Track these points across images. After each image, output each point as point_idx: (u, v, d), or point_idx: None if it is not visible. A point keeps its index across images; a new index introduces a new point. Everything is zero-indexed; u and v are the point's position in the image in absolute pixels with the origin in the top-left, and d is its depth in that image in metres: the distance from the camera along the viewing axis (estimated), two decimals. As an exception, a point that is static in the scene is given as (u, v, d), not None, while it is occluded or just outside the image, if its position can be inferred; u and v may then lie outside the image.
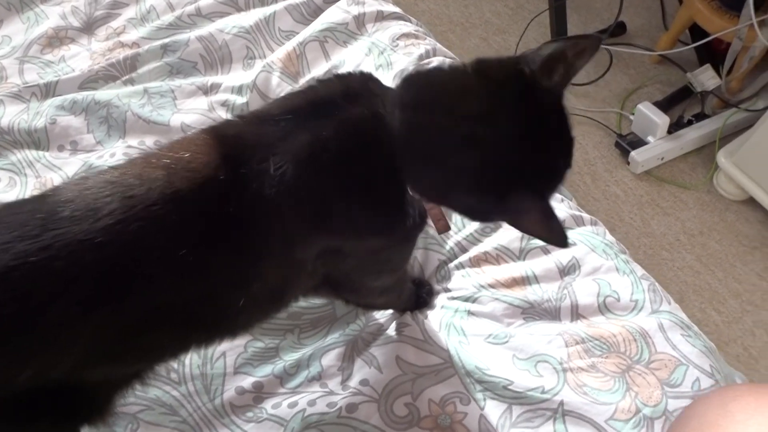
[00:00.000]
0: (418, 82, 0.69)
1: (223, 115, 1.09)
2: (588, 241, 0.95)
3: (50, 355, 0.59)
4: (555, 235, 0.64)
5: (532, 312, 0.90)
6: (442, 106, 0.65)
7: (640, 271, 0.94)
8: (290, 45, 1.15)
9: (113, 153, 1.05)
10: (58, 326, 0.58)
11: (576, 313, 0.90)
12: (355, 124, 0.68)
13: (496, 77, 0.64)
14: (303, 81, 1.14)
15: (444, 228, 0.76)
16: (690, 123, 1.79)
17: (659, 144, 1.76)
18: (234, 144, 0.65)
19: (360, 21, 1.20)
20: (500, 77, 0.64)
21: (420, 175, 0.67)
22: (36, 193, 0.99)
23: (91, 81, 1.14)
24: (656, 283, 0.93)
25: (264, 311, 0.75)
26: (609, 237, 0.98)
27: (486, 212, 0.69)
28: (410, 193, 0.69)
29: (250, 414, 0.85)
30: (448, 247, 0.98)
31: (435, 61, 1.16)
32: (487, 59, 0.67)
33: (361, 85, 0.72)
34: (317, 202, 0.67)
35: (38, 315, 0.56)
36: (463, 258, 0.96)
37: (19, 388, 0.59)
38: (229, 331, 0.73)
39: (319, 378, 0.87)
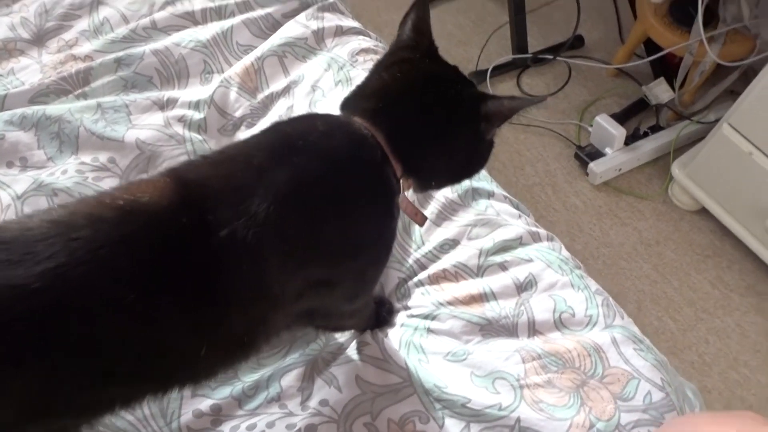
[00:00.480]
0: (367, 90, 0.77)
1: (180, 131, 1.07)
2: (544, 256, 0.96)
3: None
4: (525, 100, 0.76)
5: (490, 329, 0.91)
6: (400, 93, 0.75)
7: (594, 286, 0.95)
8: (248, 59, 1.14)
9: (65, 170, 1.02)
10: None
11: (533, 329, 0.91)
12: (335, 145, 0.70)
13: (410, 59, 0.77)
14: (261, 96, 1.13)
15: (423, 219, 0.86)
16: (646, 135, 1.84)
17: (617, 155, 1.80)
18: (198, 188, 0.63)
19: (319, 36, 1.19)
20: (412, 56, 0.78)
21: (423, 161, 0.76)
22: (-18, 211, 0.97)
23: (41, 95, 1.10)
24: (609, 298, 0.94)
25: (231, 358, 0.70)
26: (564, 252, 1.00)
27: (482, 153, 0.81)
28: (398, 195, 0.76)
29: (207, 437, 0.83)
30: (407, 265, 0.98)
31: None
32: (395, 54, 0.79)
33: (325, 116, 0.74)
34: (310, 232, 0.66)
35: None
36: (423, 275, 0.96)
37: None
38: (190, 380, 0.69)
39: (278, 399, 0.86)
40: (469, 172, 0.84)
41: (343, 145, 0.71)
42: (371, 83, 0.78)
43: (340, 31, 1.21)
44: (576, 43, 2.08)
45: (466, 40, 2.14)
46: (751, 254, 1.65)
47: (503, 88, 2.03)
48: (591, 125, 1.85)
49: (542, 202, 1.80)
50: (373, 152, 0.72)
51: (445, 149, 0.77)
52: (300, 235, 0.65)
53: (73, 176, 1.01)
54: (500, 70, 2.04)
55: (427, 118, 0.75)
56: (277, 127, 0.74)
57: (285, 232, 0.63)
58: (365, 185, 0.72)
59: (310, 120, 0.76)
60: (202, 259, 0.59)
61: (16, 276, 0.52)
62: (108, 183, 1.02)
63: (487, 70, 2.01)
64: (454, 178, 0.85)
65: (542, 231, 1.01)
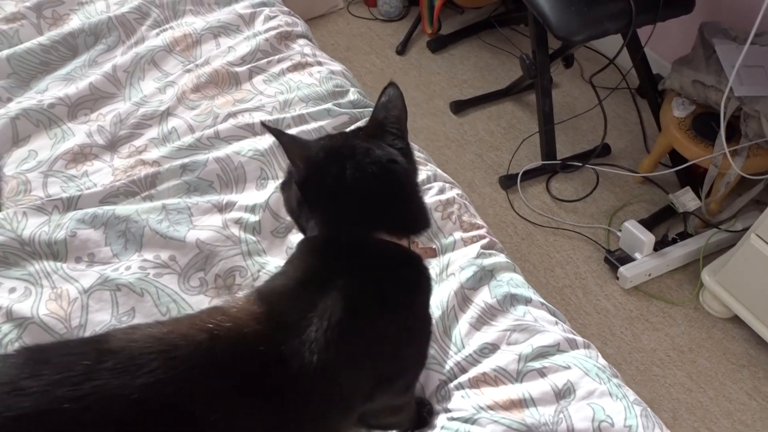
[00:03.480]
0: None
1: (236, 232, 1.15)
2: (582, 364, 0.99)
3: None
4: (394, 94, 0.87)
5: (530, 436, 0.92)
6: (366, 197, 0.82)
7: (632, 395, 0.97)
8: (301, 168, 1.24)
9: (129, 266, 1.09)
10: None
11: (572, 437, 0.92)
12: (359, 260, 0.79)
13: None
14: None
15: (434, 251, 0.95)
16: (674, 241, 1.88)
17: (646, 261, 1.84)
18: (267, 320, 0.70)
19: (366, 147, 1.29)
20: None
21: (415, 219, 0.86)
22: (51, 303, 1.04)
23: (111, 196, 1.20)
24: (648, 408, 0.96)
25: None
26: (601, 360, 1.02)
27: None
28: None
29: None
30: (447, 368, 1.01)
31: (435, 186, 1.25)
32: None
33: (331, 241, 0.81)
34: (374, 338, 0.74)
35: None
36: (463, 378, 0.99)
37: None
38: None
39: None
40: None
41: (365, 257, 0.80)
42: (339, 208, 0.81)
43: (385, 143, 1.30)
44: (603, 151, 2.18)
45: (498, 146, 2.26)
46: (788, 365, 1.64)
47: (533, 191, 2.12)
48: (620, 230, 1.91)
49: (573, 305, 1.82)
50: (386, 248, 0.81)
51: (415, 187, 0.87)
52: (365, 343, 0.72)
53: (136, 272, 1.08)
54: (530, 174, 2.13)
55: (396, 189, 0.83)
56: (306, 264, 0.81)
57: (350, 347, 0.70)
58: (399, 275, 0.81)
59: (324, 248, 0.82)
60: (279, 383, 0.66)
61: (120, 385, 0.59)
62: (167, 279, 1.09)
63: (517, 175, 2.10)
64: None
65: (579, 338, 1.04)
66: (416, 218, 0.86)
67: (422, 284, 0.85)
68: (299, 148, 0.81)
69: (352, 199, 0.81)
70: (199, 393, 0.62)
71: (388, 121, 0.87)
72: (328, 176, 0.80)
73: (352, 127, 1.31)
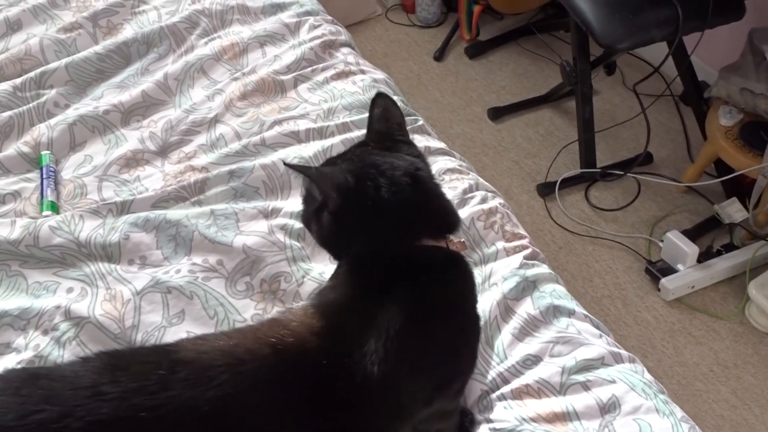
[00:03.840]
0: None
1: (282, 238, 1.17)
2: (627, 379, 0.98)
3: None
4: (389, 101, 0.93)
5: (573, 449, 0.92)
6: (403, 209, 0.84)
7: (679, 412, 0.95)
8: (345, 175, 1.26)
9: (178, 269, 1.13)
10: None
11: (617, 453, 0.91)
12: (409, 269, 0.80)
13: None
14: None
15: (463, 245, 0.93)
16: (719, 253, 1.84)
17: (689, 272, 1.80)
18: (327, 334, 0.72)
19: (409, 155, 1.30)
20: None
21: (447, 220, 0.89)
22: (105, 303, 1.08)
23: (163, 201, 1.24)
24: (696, 427, 0.94)
25: None
26: (647, 375, 1.01)
27: None
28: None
29: None
30: (490, 378, 1.02)
31: (477, 195, 1.25)
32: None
33: (378, 253, 0.82)
34: (432, 342, 0.76)
35: None
36: (505, 389, 1.00)
37: None
38: None
39: None
40: None
41: (413, 265, 0.81)
42: (381, 225, 0.83)
43: (428, 152, 1.31)
44: (645, 159, 2.15)
45: (536, 153, 2.25)
46: (839, 383, 1.59)
47: (571, 200, 2.10)
48: (662, 240, 1.88)
49: (612, 316, 1.80)
50: (430, 252, 0.83)
51: (439, 187, 0.90)
52: (425, 349, 0.74)
53: (186, 276, 1.11)
54: (569, 182, 2.11)
55: (428, 195, 0.86)
56: (356, 278, 0.82)
57: (410, 355, 0.71)
58: (448, 278, 0.83)
59: (372, 262, 0.82)
60: (342, 397, 0.67)
61: (192, 397, 0.61)
62: (215, 283, 1.12)
63: (556, 182, 2.09)
64: None
65: (624, 352, 1.03)
66: (450, 217, 0.88)
67: (469, 282, 0.88)
68: (329, 178, 0.82)
69: (393, 214, 0.82)
70: (265, 408, 0.64)
71: (394, 131, 0.89)
72: (365, 198, 0.81)
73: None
